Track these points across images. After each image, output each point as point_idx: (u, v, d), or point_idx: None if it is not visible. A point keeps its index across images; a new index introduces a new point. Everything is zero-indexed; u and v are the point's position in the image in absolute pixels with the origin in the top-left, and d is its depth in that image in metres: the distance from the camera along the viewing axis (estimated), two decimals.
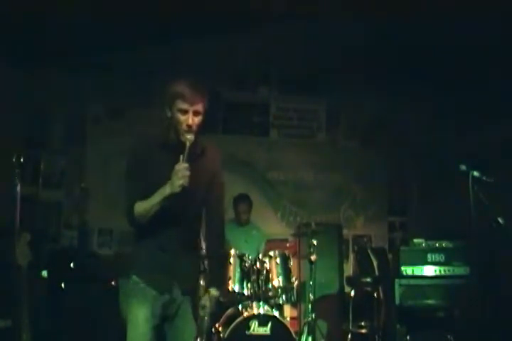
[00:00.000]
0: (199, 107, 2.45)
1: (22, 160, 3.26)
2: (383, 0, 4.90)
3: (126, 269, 2.56)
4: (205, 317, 2.50)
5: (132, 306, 2.48)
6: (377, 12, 5.07)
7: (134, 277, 2.52)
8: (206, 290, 2.67)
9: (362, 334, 5.10)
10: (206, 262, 2.74)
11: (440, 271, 4.61)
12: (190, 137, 2.42)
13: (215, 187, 2.68)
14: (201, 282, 2.75)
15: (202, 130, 2.59)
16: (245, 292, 4.35)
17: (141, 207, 2.44)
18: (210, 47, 5.70)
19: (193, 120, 2.45)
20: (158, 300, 2.48)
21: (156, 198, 2.40)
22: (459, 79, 5.60)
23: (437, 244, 4.69)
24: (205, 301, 2.63)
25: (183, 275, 2.52)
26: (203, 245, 2.77)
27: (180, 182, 2.33)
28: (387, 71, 5.88)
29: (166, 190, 2.37)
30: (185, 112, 2.44)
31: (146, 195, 2.44)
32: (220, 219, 2.77)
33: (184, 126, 2.44)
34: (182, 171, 2.34)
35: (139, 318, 2.44)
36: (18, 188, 3.23)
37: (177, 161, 2.37)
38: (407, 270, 4.62)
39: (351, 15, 5.27)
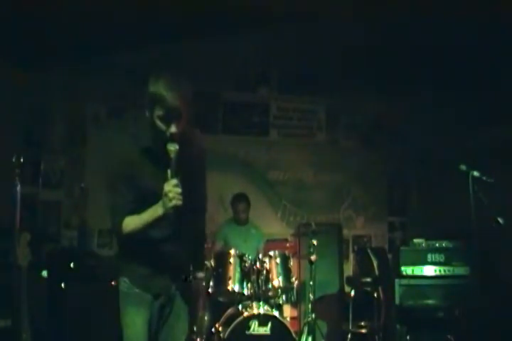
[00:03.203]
0: (182, 108, 2.17)
1: (22, 160, 3.27)
2: (383, 0, 4.90)
3: (116, 271, 2.46)
4: (205, 317, 2.49)
5: (130, 311, 2.38)
6: (378, 12, 5.07)
7: (126, 280, 2.40)
8: (192, 274, 2.59)
9: (362, 334, 5.10)
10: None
11: (440, 271, 4.62)
12: (173, 149, 2.19)
13: (199, 176, 2.50)
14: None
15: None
16: (245, 292, 4.35)
17: (132, 225, 2.29)
18: (210, 48, 5.70)
19: (177, 126, 2.20)
20: (156, 302, 2.40)
21: (148, 218, 2.24)
22: (459, 80, 5.60)
23: (437, 244, 4.69)
24: (195, 285, 2.58)
25: (179, 276, 2.44)
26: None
27: (173, 203, 2.15)
28: (387, 71, 5.88)
29: (159, 211, 2.21)
30: (166, 120, 2.19)
31: (134, 207, 2.28)
32: (203, 203, 2.60)
33: (167, 135, 2.20)
34: (172, 192, 2.14)
35: (138, 324, 2.36)
36: (18, 188, 3.23)
37: (164, 169, 2.18)
38: (407, 270, 4.62)
39: (351, 15, 5.26)
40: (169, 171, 2.19)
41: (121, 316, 2.41)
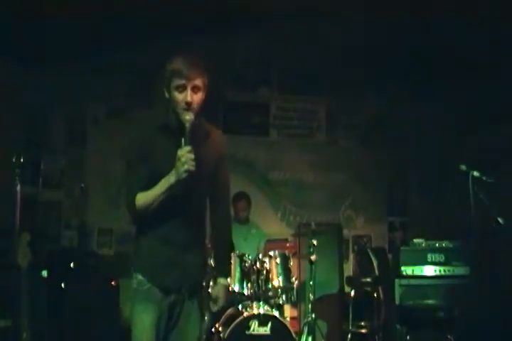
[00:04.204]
0: (198, 82, 2.27)
1: (22, 160, 3.27)
2: (383, 0, 4.91)
3: (129, 267, 2.43)
4: (205, 317, 2.40)
5: (138, 309, 2.34)
6: (378, 12, 5.07)
7: (138, 276, 2.37)
8: (215, 280, 2.53)
9: (362, 334, 5.10)
10: (212, 254, 2.59)
11: (440, 271, 4.61)
12: (189, 118, 2.24)
13: (221, 173, 2.49)
14: (207, 277, 2.59)
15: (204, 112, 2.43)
16: (245, 292, 4.35)
17: (144, 198, 2.28)
18: (210, 47, 5.70)
19: (192, 97, 2.26)
20: (165, 300, 2.35)
21: (161, 188, 2.24)
22: (459, 80, 5.60)
23: (437, 244, 4.69)
24: (217, 292, 2.50)
25: (190, 272, 2.38)
26: (209, 236, 2.57)
27: (185, 167, 2.16)
28: (387, 71, 5.89)
29: (171, 178, 2.21)
30: (183, 89, 2.26)
31: (148, 185, 2.28)
32: (227, 207, 2.61)
33: (183, 105, 2.26)
34: (185, 155, 2.16)
35: (146, 323, 2.31)
36: (18, 188, 3.24)
37: (180, 146, 2.21)
38: (407, 270, 4.62)
39: (351, 15, 5.27)
40: (183, 139, 2.21)
41: (128, 316, 2.40)
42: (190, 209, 2.37)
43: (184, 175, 2.18)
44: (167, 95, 2.33)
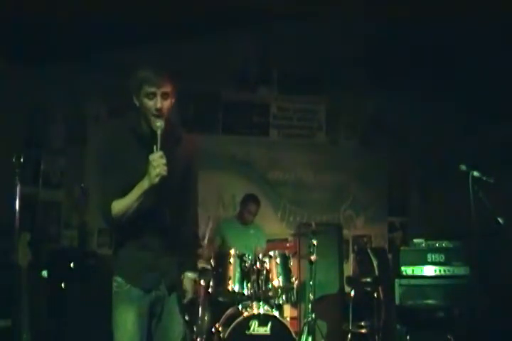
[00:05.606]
0: (167, 89, 2.34)
1: (22, 160, 3.26)
2: (383, 0, 4.91)
3: (110, 271, 2.49)
4: (205, 317, 2.46)
5: (119, 310, 2.41)
6: (378, 12, 5.07)
7: (118, 279, 2.44)
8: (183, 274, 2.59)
9: (362, 334, 5.10)
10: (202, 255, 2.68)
11: (440, 271, 4.62)
12: (160, 124, 2.30)
13: (189, 176, 2.56)
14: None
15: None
16: (245, 292, 4.35)
17: (120, 205, 2.31)
18: (210, 47, 5.70)
19: (162, 103, 2.33)
20: (146, 298, 2.40)
21: (135, 194, 2.28)
22: (459, 79, 5.60)
23: (437, 244, 4.69)
24: (185, 286, 2.57)
25: (169, 272, 2.44)
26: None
27: (157, 171, 2.21)
28: (387, 71, 5.88)
29: (145, 184, 2.25)
30: (152, 96, 2.33)
31: (123, 192, 2.31)
32: (194, 207, 2.66)
33: (153, 111, 2.33)
34: (157, 160, 2.22)
35: (128, 322, 2.36)
36: (18, 188, 3.24)
37: (152, 152, 2.27)
38: (407, 270, 4.62)
39: (351, 15, 5.27)
40: (155, 146, 2.27)
41: (112, 318, 2.43)
42: (166, 214, 2.43)
43: (157, 180, 2.23)
44: (137, 103, 2.40)
